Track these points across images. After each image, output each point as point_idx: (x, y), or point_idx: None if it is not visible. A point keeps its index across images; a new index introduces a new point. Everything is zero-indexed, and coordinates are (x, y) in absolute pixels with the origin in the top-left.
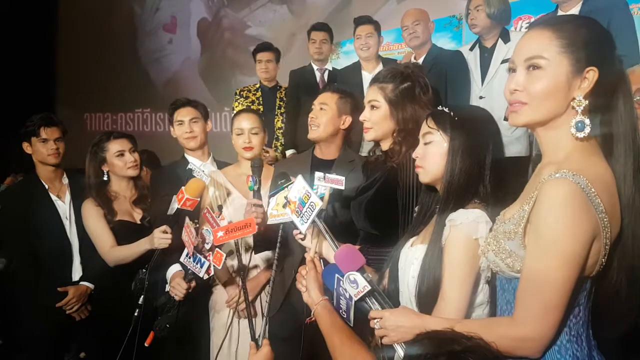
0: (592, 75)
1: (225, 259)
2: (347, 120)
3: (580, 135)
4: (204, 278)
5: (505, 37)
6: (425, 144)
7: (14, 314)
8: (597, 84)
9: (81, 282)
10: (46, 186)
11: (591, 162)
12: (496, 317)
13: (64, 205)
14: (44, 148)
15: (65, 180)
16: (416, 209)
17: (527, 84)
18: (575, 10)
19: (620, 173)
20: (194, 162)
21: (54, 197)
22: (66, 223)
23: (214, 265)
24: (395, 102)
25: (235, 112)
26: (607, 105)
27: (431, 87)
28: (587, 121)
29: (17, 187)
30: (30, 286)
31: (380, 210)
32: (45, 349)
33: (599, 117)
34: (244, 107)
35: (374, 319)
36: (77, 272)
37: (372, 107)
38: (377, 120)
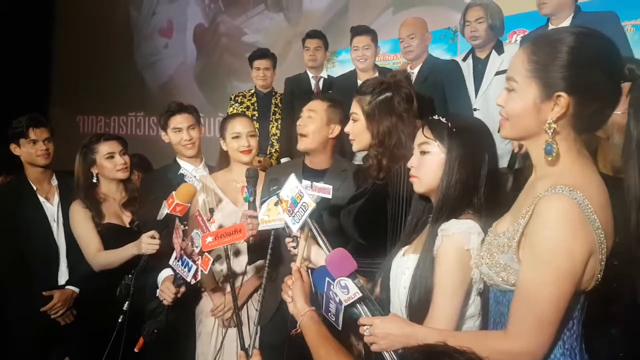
0: (562, 101)
1: (212, 263)
2: (336, 129)
3: (549, 158)
4: (192, 282)
5: (499, 48)
6: (422, 153)
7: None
8: (584, 107)
9: (67, 287)
10: (34, 188)
11: (586, 177)
12: (489, 331)
13: (52, 208)
14: (33, 149)
15: (55, 182)
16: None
17: (506, 102)
18: (565, 23)
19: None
20: (186, 166)
21: (42, 199)
22: (54, 226)
23: (201, 270)
24: (371, 115)
25: (225, 117)
26: (607, 119)
27: (422, 97)
28: (555, 146)
29: (5, 188)
30: (16, 289)
31: (368, 220)
32: (30, 353)
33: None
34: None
35: (364, 325)
36: (63, 276)
37: (353, 119)
38: (357, 133)
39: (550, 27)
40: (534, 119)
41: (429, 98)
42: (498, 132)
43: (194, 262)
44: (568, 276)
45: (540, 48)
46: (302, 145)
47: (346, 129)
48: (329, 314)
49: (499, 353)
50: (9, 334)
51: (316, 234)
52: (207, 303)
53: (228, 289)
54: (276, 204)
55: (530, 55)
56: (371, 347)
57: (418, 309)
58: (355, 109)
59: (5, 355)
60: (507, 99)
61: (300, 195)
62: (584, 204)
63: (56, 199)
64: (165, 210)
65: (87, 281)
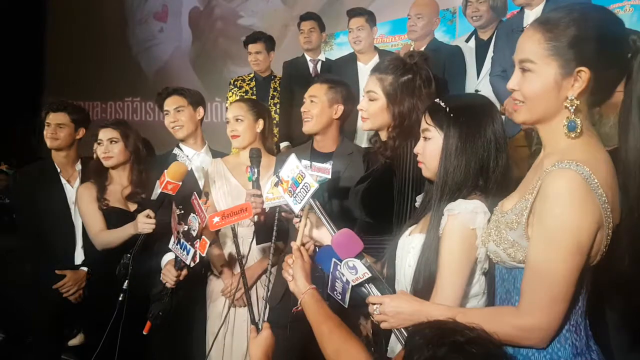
0: (583, 75)
1: (209, 246)
2: (339, 109)
3: (572, 135)
4: (191, 265)
5: None
6: (425, 139)
7: (18, 296)
8: (599, 79)
9: (81, 268)
10: (59, 169)
11: (592, 153)
12: (501, 307)
13: (71, 190)
14: (45, 131)
15: (79, 167)
16: (418, 198)
17: (521, 85)
18: (538, 9)
19: (634, 156)
20: (188, 151)
21: (64, 181)
22: (72, 207)
23: (201, 254)
24: (392, 96)
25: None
26: (614, 93)
27: (436, 79)
28: (579, 121)
29: (33, 167)
30: (35, 266)
31: (375, 199)
32: (47, 333)
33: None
34: (238, 97)
35: (373, 304)
36: (79, 257)
37: (370, 98)
38: (374, 112)
39: (526, 12)
40: (554, 97)
41: (443, 80)
42: (502, 113)
43: (193, 245)
44: (578, 251)
45: (555, 26)
46: (306, 127)
47: (359, 106)
48: (335, 292)
49: (512, 328)
50: (28, 313)
51: (320, 214)
52: (216, 285)
53: (237, 269)
54: (276, 184)
55: (546, 34)
56: (381, 324)
57: (423, 288)
58: (375, 87)
59: (22, 331)
60: (522, 81)
61: (301, 175)
62: (590, 178)
63: (77, 182)
64: (158, 190)
65: (98, 263)
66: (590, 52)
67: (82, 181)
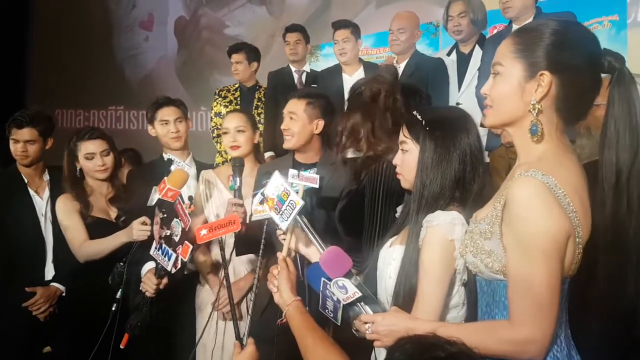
0: (545, 79)
1: (192, 251)
2: (320, 124)
3: (535, 138)
4: (172, 272)
5: (483, 43)
6: (402, 151)
7: None
8: (566, 87)
9: (51, 284)
10: (26, 180)
11: (563, 164)
12: (494, 321)
13: (41, 202)
14: (13, 147)
15: (47, 177)
16: (398, 208)
17: (490, 89)
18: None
19: (610, 172)
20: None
21: (32, 192)
22: (42, 219)
23: (183, 259)
24: (345, 112)
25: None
26: (589, 109)
27: (393, 94)
28: (540, 125)
29: None
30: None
31: (351, 218)
32: (15, 348)
33: (579, 119)
34: (223, 107)
35: (365, 323)
36: (50, 272)
37: None
38: None
39: (514, 27)
40: (518, 100)
41: (428, 94)
42: (481, 125)
43: (175, 250)
44: (552, 254)
45: (526, 32)
46: (288, 144)
47: None
48: (327, 310)
49: (508, 343)
50: None
51: (307, 232)
52: (205, 296)
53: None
54: (261, 203)
55: (515, 39)
56: (374, 344)
57: (404, 300)
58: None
59: None
60: (492, 84)
61: (286, 193)
62: (556, 187)
63: (46, 193)
64: (156, 195)
65: (73, 278)
66: (555, 57)
67: (52, 192)
